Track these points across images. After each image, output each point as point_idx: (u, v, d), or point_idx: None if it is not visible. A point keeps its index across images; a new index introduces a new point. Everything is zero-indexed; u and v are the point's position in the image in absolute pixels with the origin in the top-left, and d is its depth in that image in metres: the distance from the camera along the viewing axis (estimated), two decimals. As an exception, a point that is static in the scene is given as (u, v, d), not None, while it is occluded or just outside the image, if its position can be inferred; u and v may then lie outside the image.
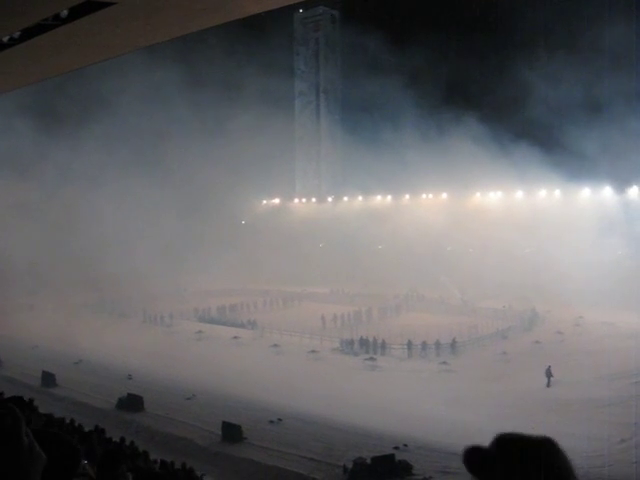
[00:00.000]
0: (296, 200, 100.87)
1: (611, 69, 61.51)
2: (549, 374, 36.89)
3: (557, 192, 72.05)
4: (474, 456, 1.87)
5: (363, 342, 47.50)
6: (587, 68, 65.39)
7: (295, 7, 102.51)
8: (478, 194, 77.75)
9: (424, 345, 45.38)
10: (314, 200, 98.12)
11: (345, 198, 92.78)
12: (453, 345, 46.39)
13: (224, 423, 27.79)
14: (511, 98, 74.36)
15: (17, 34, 12.55)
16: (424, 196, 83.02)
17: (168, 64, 73.21)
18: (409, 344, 45.67)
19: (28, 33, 12.32)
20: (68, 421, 22.46)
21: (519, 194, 74.67)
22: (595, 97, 66.07)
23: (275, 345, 47.82)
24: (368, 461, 22.99)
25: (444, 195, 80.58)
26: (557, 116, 72.80)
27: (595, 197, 69.88)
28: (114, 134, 73.79)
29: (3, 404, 1.80)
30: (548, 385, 36.64)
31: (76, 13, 11.34)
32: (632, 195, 67.26)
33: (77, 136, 69.22)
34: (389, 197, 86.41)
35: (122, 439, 21.08)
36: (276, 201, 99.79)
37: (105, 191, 69.89)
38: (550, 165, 66.64)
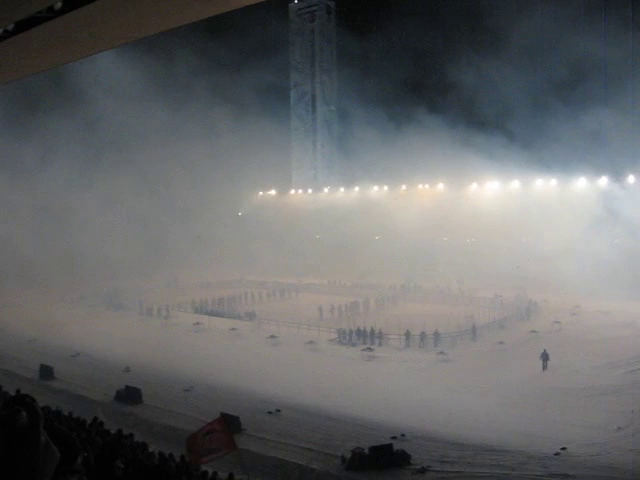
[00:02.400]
0: (292, 191, 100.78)
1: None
2: (545, 357, 37.20)
3: (553, 181, 72.07)
4: None
5: (360, 333, 47.58)
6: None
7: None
8: (475, 184, 77.72)
9: (422, 335, 45.46)
10: (310, 191, 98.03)
11: (341, 189, 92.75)
12: (474, 331, 46.96)
13: (222, 414, 27.82)
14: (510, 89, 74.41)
15: (11, 27, 12.49)
16: (420, 186, 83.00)
17: (159, 55, 73.01)
18: (407, 334, 45.77)
19: (22, 26, 12.26)
20: (67, 413, 22.49)
21: (515, 184, 74.64)
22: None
23: (272, 336, 47.87)
24: (366, 451, 23.06)
25: (440, 185, 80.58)
26: (550, 107, 72.80)
27: (592, 186, 69.93)
28: (102, 127, 73.64)
29: (22, 400, 1.81)
30: (544, 368, 36.98)
31: (70, 5, 11.28)
32: (628, 184, 67.30)
33: (59, 129, 68.56)
34: (385, 188, 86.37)
35: (120, 431, 21.09)
36: (272, 192, 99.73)
37: (95, 185, 69.63)
38: (544, 154, 66.78)
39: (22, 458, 1.61)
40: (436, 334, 45.60)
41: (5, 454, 1.59)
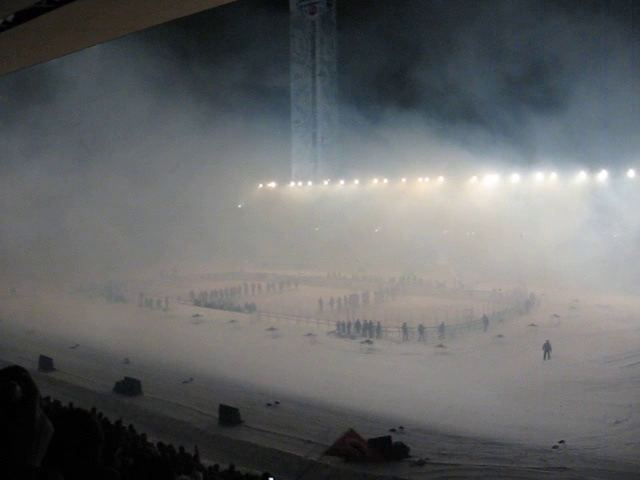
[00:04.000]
0: (292, 183, 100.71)
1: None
2: (547, 347, 37.84)
3: (553, 175, 72.05)
4: None
5: (359, 325, 47.62)
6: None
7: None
8: (474, 177, 77.66)
9: (421, 328, 45.48)
10: (310, 183, 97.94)
11: (341, 181, 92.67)
12: (485, 321, 47.37)
13: (221, 406, 27.88)
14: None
15: (11, 17, 12.45)
16: (420, 180, 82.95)
17: (160, 48, 72.77)
18: (405, 327, 45.81)
19: (22, 16, 12.22)
20: (66, 404, 22.53)
21: (515, 177, 74.62)
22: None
23: (272, 328, 47.89)
24: (365, 443, 23.14)
25: (440, 179, 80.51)
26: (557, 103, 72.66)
27: (591, 181, 69.93)
28: (100, 117, 73.37)
29: (20, 374, 1.82)
30: (546, 358, 37.69)
31: (70, -4, 11.23)
32: (628, 179, 67.25)
33: (53, 121, 68.12)
34: (385, 180, 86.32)
35: (119, 422, 21.15)
36: (272, 185, 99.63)
37: (93, 176, 69.40)
38: (545, 148, 66.74)
39: (15, 433, 1.61)
40: (442, 327, 45.70)
41: None
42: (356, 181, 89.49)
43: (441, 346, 41.59)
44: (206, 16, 62.80)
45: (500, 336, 43.88)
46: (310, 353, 41.71)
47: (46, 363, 36.55)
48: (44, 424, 1.67)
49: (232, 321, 51.33)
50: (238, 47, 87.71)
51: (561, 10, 71.40)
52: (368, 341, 43.89)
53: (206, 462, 19.42)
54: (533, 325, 46.32)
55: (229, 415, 27.33)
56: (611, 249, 56.23)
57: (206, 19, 73.24)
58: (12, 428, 1.58)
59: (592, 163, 68.35)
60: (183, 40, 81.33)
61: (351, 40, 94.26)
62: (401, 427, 25.76)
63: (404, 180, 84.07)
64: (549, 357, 37.81)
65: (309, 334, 46.01)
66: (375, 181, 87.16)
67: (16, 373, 1.71)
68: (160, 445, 18.81)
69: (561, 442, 23.55)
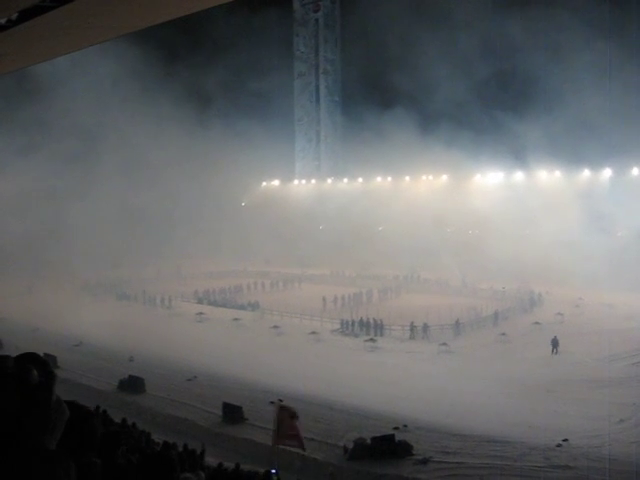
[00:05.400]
0: (296, 182, 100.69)
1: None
2: (555, 343, 38.70)
3: (557, 173, 71.90)
4: None
5: (363, 323, 47.60)
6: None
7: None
8: (478, 175, 77.57)
9: (425, 326, 45.42)
10: (314, 182, 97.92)
11: (345, 179, 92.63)
12: (495, 316, 47.99)
13: (225, 404, 27.93)
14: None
15: (15, 16, 12.44)
16: (424, 178, 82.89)
17: (161, 43, 72.71)
18: (410, 325, 45.75)
19: (26, 15, 12.21)
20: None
21: (519, 175, 74.50)
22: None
23: (275, 326, 47.92)
24: (368, 441, 23.13)
25: (444, 177, 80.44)
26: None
27: (595, 179, 69.81)
28: (103, 114, 73.34)
29: (37, 359, 1.90)
30: (554, 353, 38.64)
31: (75, -6, 11.20)
32: (632, 177, 67.08)
33: (64, 120, 68.06)
34: (389, 179, 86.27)
35: (123, 420, 21.17)
36: (276, 183, 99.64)
37: (97, 175, 69.38)
38: (548, 146, 66.62)
39: (33, 415, 1.64)
40: (457, 323, 45.83)
41: (16, 412, 1.62)
42: (359, 179, 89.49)
43: (444, 344, 41.51)
44: (209, 15, 62.82)
45: (504, 334, 43.80)
46: (314, 351, 41.71)
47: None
48: (60, 406, 1.71)
49: (236, 319, 51.35)
50: (242, 45, 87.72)
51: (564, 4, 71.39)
52: (372, 339, 43.90)
53: (210, 460, 19.44)
54: (537, 323, 46.27)
55: (232, 413, 27.38)
56: (615, 247, 56.11)
57: (209, 18, 73.21)
58: (30, 410, 1.62)
59: (596, 161, 68.19)
60: (186, 39, 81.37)
61: (355, 38, 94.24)
62: (405, 425, 25.76)
63: (407, 178, 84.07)
64: (557, 352, 38.50)
65: (313, 332, 46.03)
66: (379, 179, 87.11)
67: (33, 358, 1.77)
68: (164, 443, 18.82)
69: (565, 440, 23.53)
